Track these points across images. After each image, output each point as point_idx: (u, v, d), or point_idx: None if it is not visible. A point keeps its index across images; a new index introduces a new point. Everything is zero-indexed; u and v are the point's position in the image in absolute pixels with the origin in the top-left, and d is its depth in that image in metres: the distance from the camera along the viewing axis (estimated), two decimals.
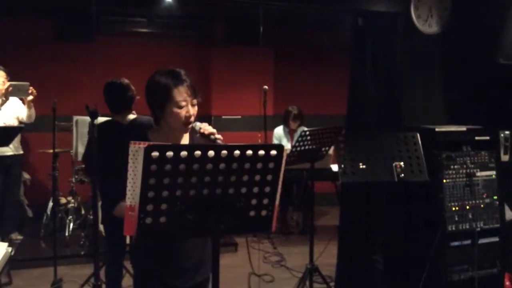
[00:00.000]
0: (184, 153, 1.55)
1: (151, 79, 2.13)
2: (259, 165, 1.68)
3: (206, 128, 2.07)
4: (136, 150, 1.64)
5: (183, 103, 2.05)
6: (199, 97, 2.14)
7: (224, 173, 1.63)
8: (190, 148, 1.58)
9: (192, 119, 2.09)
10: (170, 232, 1.66)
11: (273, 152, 1.69)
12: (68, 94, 6.39)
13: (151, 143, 1.57)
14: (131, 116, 3.48)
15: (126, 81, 3.54)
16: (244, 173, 1.66)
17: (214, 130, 2.07)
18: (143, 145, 1.60)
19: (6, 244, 1.87)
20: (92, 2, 5.56)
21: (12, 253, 2.06)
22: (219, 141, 2.02)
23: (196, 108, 2.12)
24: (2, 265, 1.89)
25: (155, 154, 1.52)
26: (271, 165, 1.70)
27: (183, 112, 2.06)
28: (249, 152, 1.64)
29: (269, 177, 1.72)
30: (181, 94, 2.05)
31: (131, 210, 1.64)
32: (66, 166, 5.77)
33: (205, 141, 2.06)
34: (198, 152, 1.57)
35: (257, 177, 1.69)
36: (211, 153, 1.59)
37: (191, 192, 1.62)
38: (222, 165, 1.62)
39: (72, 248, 5.17)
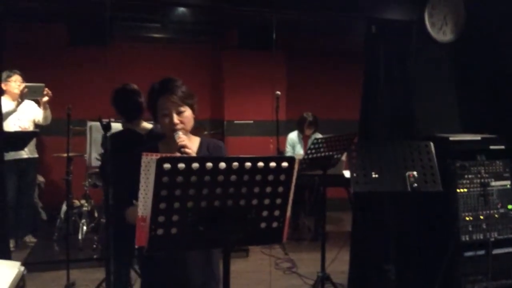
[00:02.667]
0: (195, 165, 1.56)
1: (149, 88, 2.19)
2: (270, 177, 1.68)
3: (180, 139, 2.06)
4: (148, 162, 1.65)
5: (166, 111, 2.09)
6: (192, 101, 2.15)
7: (235, 185, 1.63)
8: (201, 160, 1.58)
9: (179, 126, 2.10)
10: (181, 243, 1.67)
11: (284, 164, 1.68)
12: (82, 98, 6.45)
13: (163, 154, 1.57)
14: (148, 125, 3.44)
15: (134, 86, 3.50)
16: (255, 185, 1.66)
17: (185, 143, 2.05)
18: (155, 156, 1.61)
19: (18, 263, 1.87)
20: (106, 8, 5.61)
21: (25, 272, 2.07)
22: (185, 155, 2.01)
23: (186, 115, 2.12)
24: (14, 286, 1.89)
25: (167, 166, 1.53)
26: (282, 177, 1.70)
27: (166, 120, 2.10)
28: (260, 164, 1.64)
29: (280, 189, 1.71)
30: (163, 103, 2.09)
31: (143, 221, 1.66)
32: (80, 169, 5.82)
33: (179, 152, 2.04)
34: (209, 164, 1.58)
35: (268, 189, 1.69)
36: (222, 165, 1.59)
37: (202, 204, 1.62)
38: (233, 177, 1.62)
39: (85, 252, 5.20)
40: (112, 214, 3.60)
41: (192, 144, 2.21)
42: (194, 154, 2.09)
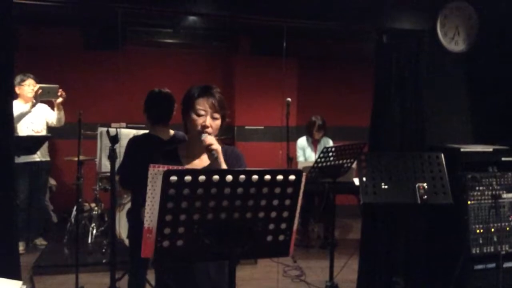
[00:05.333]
0: (202, 178, 1.56)
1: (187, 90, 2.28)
2: (277, 190, 1.67)
3: (207, 138, 2.13)
4: (155, 174, 1.66)
5: (202, 112, 2.18)
6: (225, 112, 2.24)
7: (241, 198, 1.63)
8: (208, 172, 1.59)
9: (210, 130, 2.17)
10: (187, 256, 1.67)
11: (292, 177, 1.68)
12: (94, 102, 6.52)
13: (170, 167, 1.58)
14: (171, 132, 3.40)
15: (169, 92, 3.44)
16: (262, 197, 1.66)
17: (213, 142, 2.12)
18: (162, 168, 1.61)
19: (20, 282, 1.88)
20: (119, 13, 5.65)
21: None
22: (213, 152, 2.09)
23: (217, 122, 2.21)
24: None
25: (173, 178, 1.53)
26: (289, 190, 1.69)
27: (200, 120, 2.17)
28: (267, 177, 1.64)
29: (287, 202, 1.71)
30: (202, 104, 2.18)
31: (149, 233, 1.66)
32: (91, 173, 5.87)
33: (206, 151, 2.14)
34: (216, 177, 1.58)
35: (275, 202, 1.69)
36: (229, 177, 1.59)
37: (208, 216, 1.62)
38: (240, 190, 1.62)
39: (94, 255, 5.22)
40: (131, 220, 3.62)
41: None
42: (220, 153, 2.13)
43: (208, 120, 2.17)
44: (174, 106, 3.41)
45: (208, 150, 2.10)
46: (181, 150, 2.28)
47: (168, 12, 3.79)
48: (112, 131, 2.75)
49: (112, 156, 2.43)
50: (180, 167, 1.85)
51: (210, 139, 2.13)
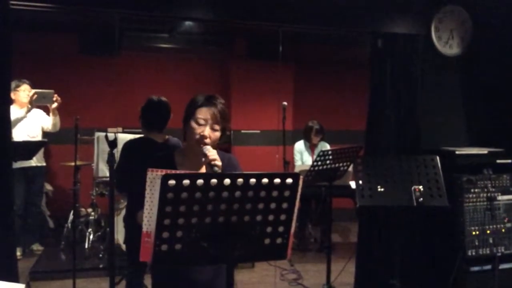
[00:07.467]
0: (200, 181, 1.57)
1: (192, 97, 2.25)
2: (275, 193, 1.69)
3: (210, 153, 2.08)
4: (154, 178, 1.67)
5: (202, 121, 2.13)
6: (226, 125, 2.20)
7: (239, 201, 1.64)
8: (206, 176, 1.60)
9: (208, 140, 2.12)
10: (185, 259, 1.68)
11: (289, 180, 1.69)
12: (91, 107, 6.51)
13: (168, 171, 1.59)
14: (164, 137, 3.43)
15: (166, 100, 3.49)
16: (260, 201, 1.67)
17: (216, 157, 2.07)
18: (160, 172, 1.63)
19: (23, 286, 1.88)
20: (115, 18, 5.67)
21: None
22: (216, 168, 2.03)
23: (216, 134, 2.16)
24: None
25: (171, 182, 1.54)
26: (286, 193, 1.71)
27: (199, 129, 2.12)
28: (265, 180, 1.65)
29: (284, 205, 1.72)
30: (204, 113, 2.14)
31: (147, 237, 1.67)
32: (88, 178, 5.85)
33: (207, 165, 2.09)
34: (214, 181, 1.59)
35: (273, 205, 1.70)
36: (227, 181, 1.61)
37: (206, 220, 1.63)
38: (237, 193, 1.63)
39: (91, 261, 5.21)
40: (126, 223, 3.63)
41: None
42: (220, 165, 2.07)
43: (207, 130, 2.12)
44: (170, 115, 3.45)
45: (211, 165, 2.04)
46: (177, 157, 2.25)
47: (164, 18, 3.80)
48: (111, 135, 2.76)
49: (111, 161, 2.43)
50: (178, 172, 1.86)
51: (213, 154, 2.07)
